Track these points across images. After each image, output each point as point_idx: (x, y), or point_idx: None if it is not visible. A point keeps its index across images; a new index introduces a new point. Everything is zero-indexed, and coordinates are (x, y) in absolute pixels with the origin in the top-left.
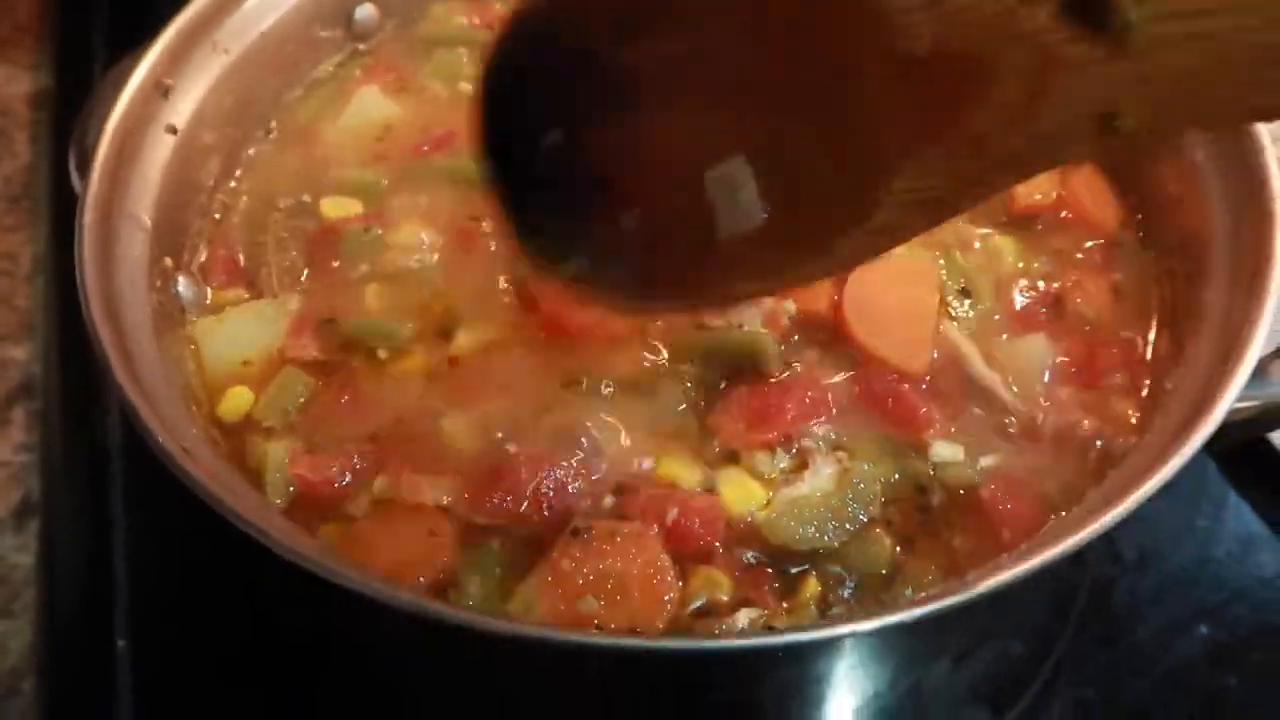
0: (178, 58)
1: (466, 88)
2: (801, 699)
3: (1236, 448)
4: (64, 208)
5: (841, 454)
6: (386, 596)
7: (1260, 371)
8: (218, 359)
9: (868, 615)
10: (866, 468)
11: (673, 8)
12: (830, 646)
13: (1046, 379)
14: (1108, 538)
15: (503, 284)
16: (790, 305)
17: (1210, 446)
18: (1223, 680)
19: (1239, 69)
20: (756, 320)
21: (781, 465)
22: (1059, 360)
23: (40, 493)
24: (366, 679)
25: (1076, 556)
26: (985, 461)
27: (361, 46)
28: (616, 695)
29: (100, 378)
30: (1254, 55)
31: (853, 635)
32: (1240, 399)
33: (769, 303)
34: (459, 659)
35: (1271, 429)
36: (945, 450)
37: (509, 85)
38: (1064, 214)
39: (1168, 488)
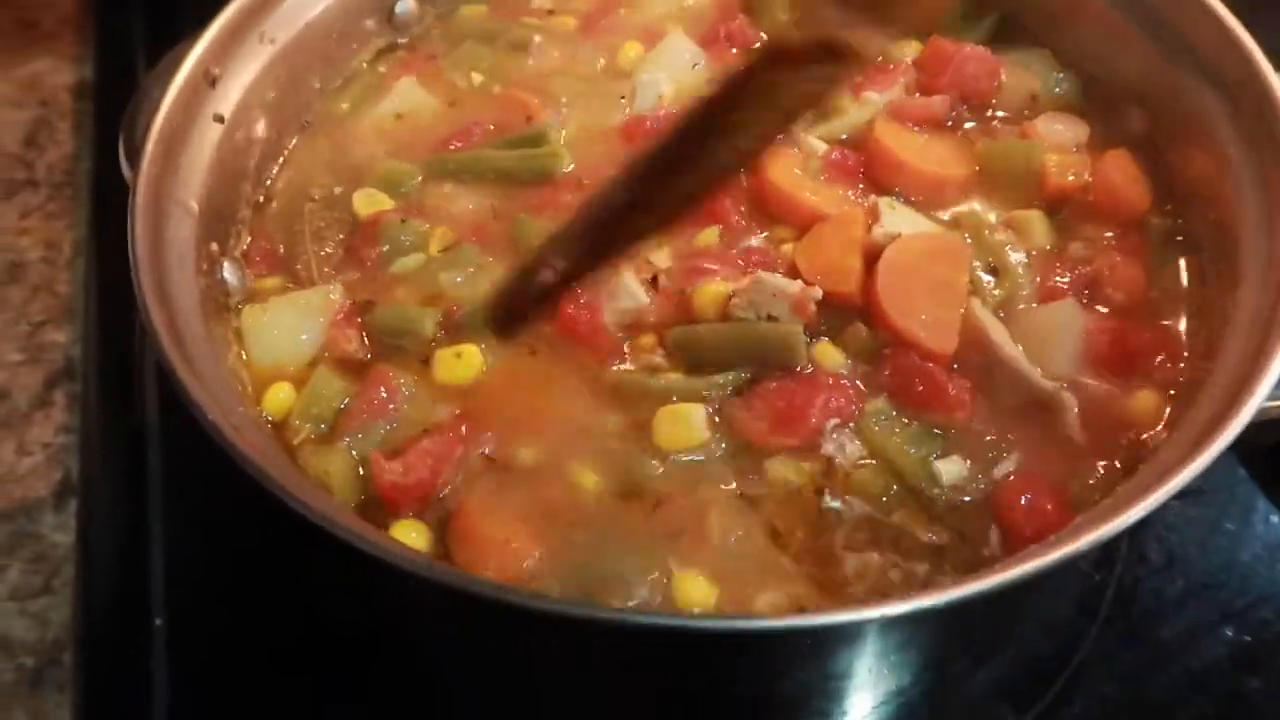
0: (226, 48)
1: (495, 81)
2: (824, 694)
3: (1265, 449)
4: (105, 196)
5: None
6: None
7: None
8: (265, 351)
9: (895, 600)
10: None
11: None
12: (857, 631)
13: (1075, 360)
14: (1134, 538)
15: None
16: (817, 291)
17: (1237, 447)
18: (1246, 682)
19: None
20: (784, 309)
21: (811, 470)
22: (1088, 346)
23: (79, 473)
24: (410, 661)
25: (1103, 556)
26: (1003, 467)
27: (401, 40)
28: (642, 679)
29: (139, 361)
30: None
31: (881, 619)
32: (1270, 398)
33: (795, 289)
34: (495, 635)
35: None
36: (952, 468)
37: None
38: (1095, 198)
39: (1196, 490)
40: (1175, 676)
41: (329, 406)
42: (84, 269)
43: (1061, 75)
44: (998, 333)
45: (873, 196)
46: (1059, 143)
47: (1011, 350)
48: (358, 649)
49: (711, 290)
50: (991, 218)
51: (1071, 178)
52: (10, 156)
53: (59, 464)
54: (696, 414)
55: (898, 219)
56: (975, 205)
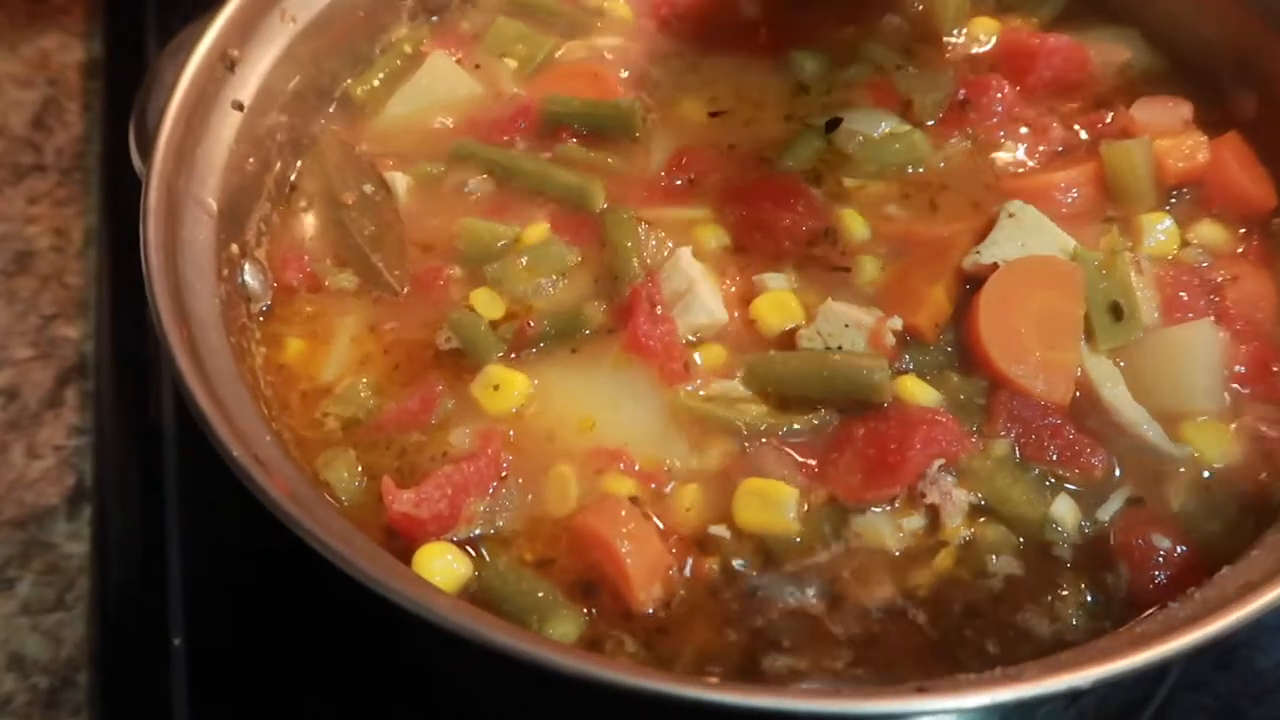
0: (244, 27)
1: (520, 65)
2: None
3: None
4: (117, 182)
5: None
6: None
7: None
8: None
9: (995, 683)
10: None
11: None
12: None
13: (1216, 390)
14: None
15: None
16: (897, 321)
17: None
18: None
19: None
20: (859, 339)
21: (911, 527)
22: (1231, 370)
23: (93, 478)
24: (438, 684)
25: None
26: (1110, 507)
27: (435, 18)
28: None
29: (154, 357)
30: None
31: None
32: None
33: (870, 319)
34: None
35: None
36: (1067, 511)
37: None
38: (1213, 190)
39: None
40: (1273, 710)
41: (363, 406)
42: (95, 259)
43: (1152, 53)
44: (1112, 390)
45: (994, 207)
46: (1165, 126)
47: (1131, 413)
48: (387, 673)
49: (772, 299)
50: (1119, 235)
51: (1182, 164)
52: (17, 139)
53: (71, 468)
54: (788, 499)
55: (1017, 232)
56: (1107, 222)
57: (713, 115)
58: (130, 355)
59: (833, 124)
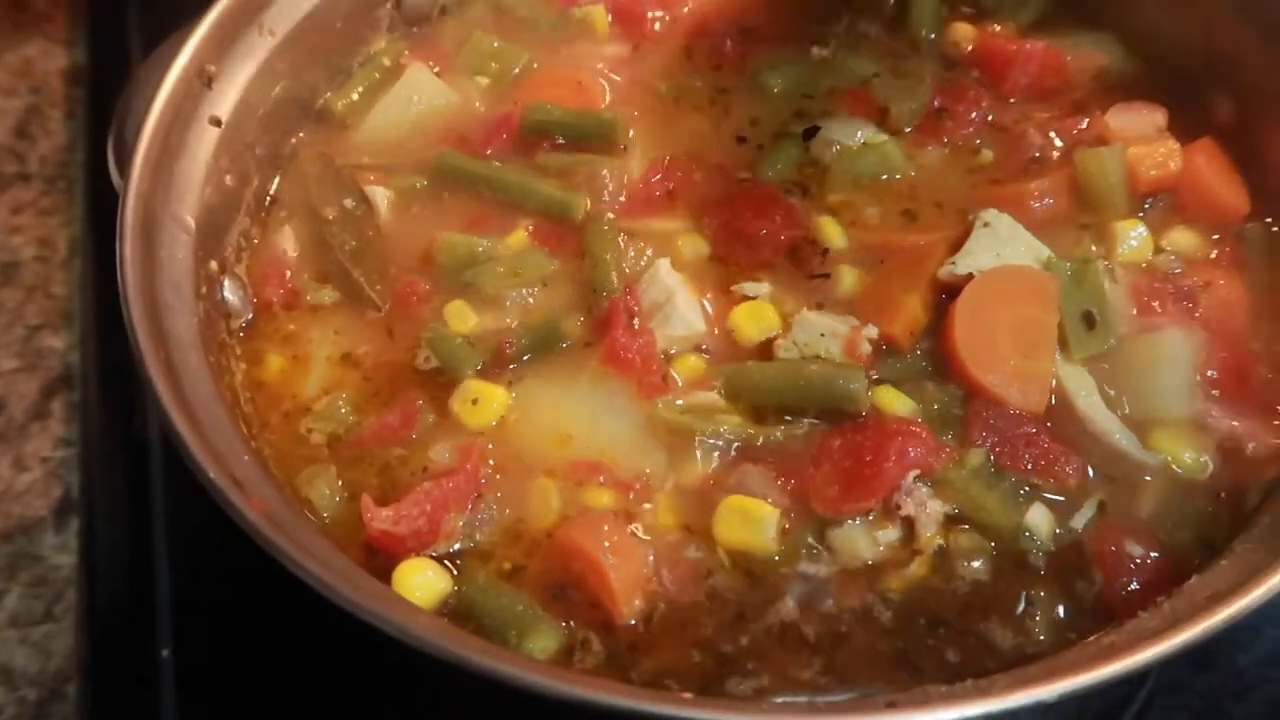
0: (221, 43)
1: (493, 82)
2: None
3: None
4: (101, 191)
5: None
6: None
7: None
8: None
9: (966, 696)
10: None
11: None
12: None
13: (1188, 396)
14: None
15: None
16: (872, 330)
17: None
18: None
19: None
20: (835, 348)
21: (887, 539)
22: (1204, 377)
23: (80, 489)
24: (424, 692)
25: None
26: (1083, 515)
27: (414, 30)
28: None
29: (139, 366)
30: None
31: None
32: None
33: (846, 329)
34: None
35: None
36: (1041, 519)
37: None
38: (1186, 196)
39: None
40: (1254, 708)
41: (344, 422)
42: (80, 269)
43: (1128, 58)
44: (1085, 400)
45: (970, 215)
46: (1139, 133)
47: (1104, 422)
48: (376, 682)
49: (749, 310)
50: (1092, 243)
51: (1159, 169)
52: (1, 148)
53: (58, 480)
54: (769, 519)
55: (992, 241)
56: (1081, 230)
57: (739, 141)
58: (116, 366)
59: (810, 132)
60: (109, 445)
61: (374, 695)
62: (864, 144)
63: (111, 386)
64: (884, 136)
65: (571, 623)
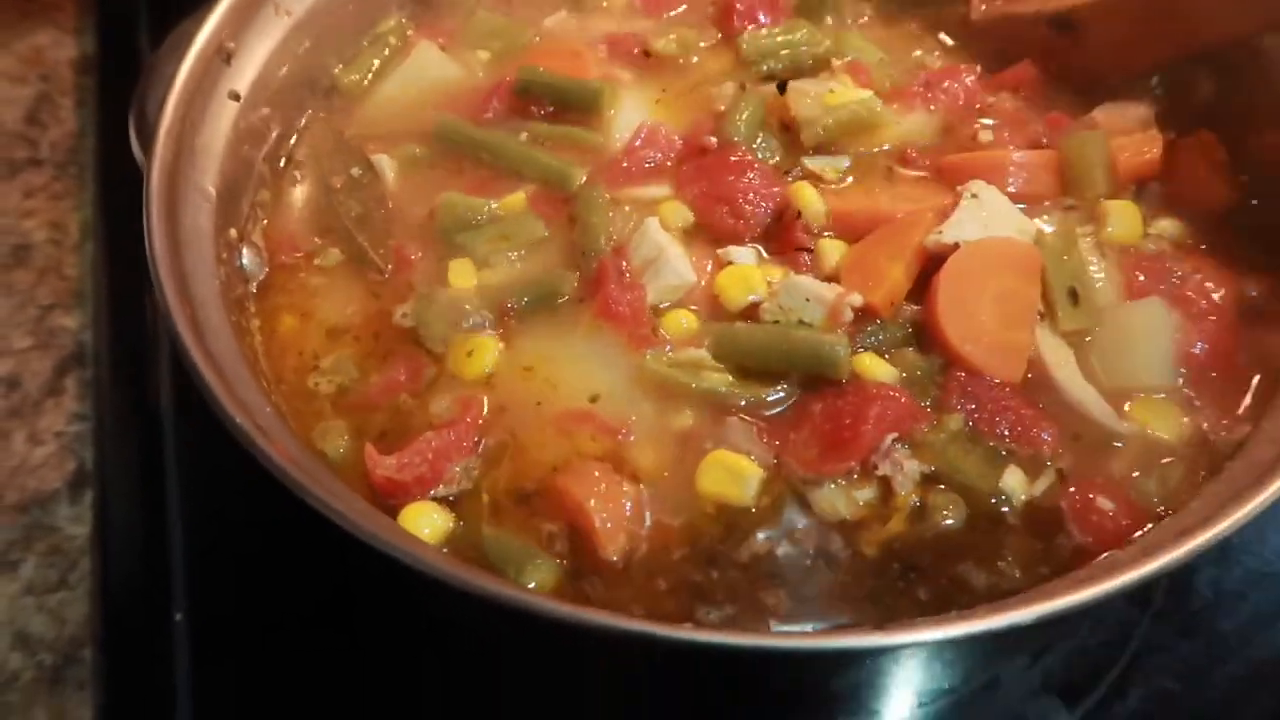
0: (240, 21)
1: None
2: (874, 690)
3: None
4: (111, 175)
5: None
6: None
7: None
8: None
9: (948, 620)
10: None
11: None
12: (908, 650)
13: (1168, 367)
14: None
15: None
16: (856, 298)
17: None
18: None
19: None
20: (819, 314)
21: (865, 498)
22: (1184, 350)
23: (94, 462)
24: (444, 651)
25: None
26: (1048, 478)
27: (422, 7)
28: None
29: (151, 344)
30: None
31: (931, 642)
32: None
33: (831, 295)
34: (538, 647)
35: None
36: (1015, 481)
37: None
38: (1175, 185)
39: None
40: (1236, 671)
41: (350, 375)
42: (92, 251)
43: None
44: (1063, 371)
45: (958, 187)
46: (1124, 127)
47: (1079, 393)
48: (394, 643)
49: (734, 273)
50: (1080, 221)
51: (1137, 156)
52: (12, 134)
53: (72, 453)
54: (751, 475)
55: (980, 213)
56: (1069, 211)
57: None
58: (128, 343)
59: (783, 85)
60: (121, 419)
61: (400, 637)
62: (842, 99)
63: (123, 363)
64: (865, 93)
65: (563, 561)
